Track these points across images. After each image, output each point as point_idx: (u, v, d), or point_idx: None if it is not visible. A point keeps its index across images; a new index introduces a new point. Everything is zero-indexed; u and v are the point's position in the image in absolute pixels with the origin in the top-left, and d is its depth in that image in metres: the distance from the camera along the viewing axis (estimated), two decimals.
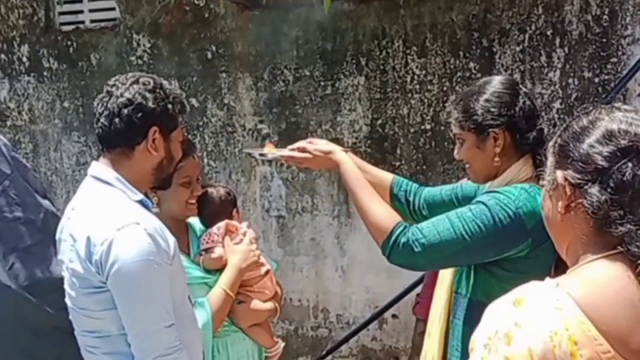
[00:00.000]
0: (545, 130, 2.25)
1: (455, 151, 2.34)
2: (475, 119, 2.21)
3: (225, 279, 2.63)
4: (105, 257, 1.95)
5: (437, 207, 2.55)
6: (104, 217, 2.02)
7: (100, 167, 2.13)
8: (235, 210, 2.88)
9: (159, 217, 2.51)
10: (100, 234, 1.98)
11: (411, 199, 2.66)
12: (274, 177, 4.57)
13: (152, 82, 2.13)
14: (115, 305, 2.00)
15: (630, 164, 1.31)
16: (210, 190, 2.83)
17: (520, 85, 2.27)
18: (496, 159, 2.21)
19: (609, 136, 1.34)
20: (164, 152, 2.15)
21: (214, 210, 2.80)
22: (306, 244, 4.57)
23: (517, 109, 2.19)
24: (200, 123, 4.64)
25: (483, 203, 2.13)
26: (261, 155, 2.66)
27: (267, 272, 2.80)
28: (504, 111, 2.18)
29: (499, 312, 1.33)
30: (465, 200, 2.42)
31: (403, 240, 2.12)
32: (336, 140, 4.32)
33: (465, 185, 2.56)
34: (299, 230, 4.57)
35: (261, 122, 4.52)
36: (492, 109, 2.19)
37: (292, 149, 2.52)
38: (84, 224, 2.04)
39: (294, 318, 4.67)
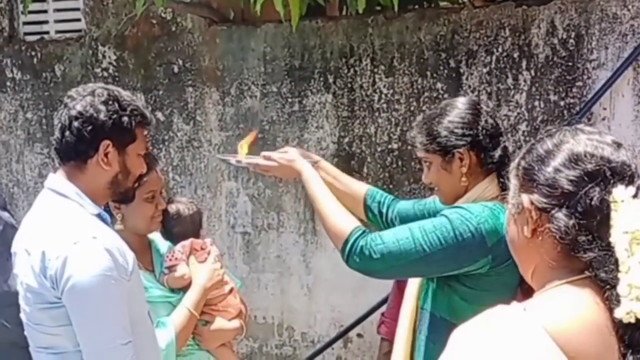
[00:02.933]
0: (510, 151, 2.28)
1: (423, 176, 2.36)
2: (439, 141, 2.24)
3: (189, 299, 2.60)
4: (61, 271, 1.91)
5: (409, 220, 2.56)
6: (60, 231, 1.98)
7: (57, 180, 2.08)
8: (201, 228, 2.86)
9: (122, 233, 2.46)
10: (56, 248, 1.93)
11: (384, 210, 2.66)
12: (240, 193, 4.53)
13: (106, 94, 2.07)
14: (70, 321, 1.96)
15: (597, 188, 1.30)
16: (182, 208, 2.80)
17: (482, 105, 2.31)
18: (463, 179, 2.24)
19: (575, 160, 1.33)
20: (119, 166, 2.08)
21: (184, 228, 2.78)
22: (272, 261, 4.54)
23: (479, 127, 2.22)
24: (166, 137, 4.59)
25: (445, 216, 2.16)
26: (237, 162, 2.62)
27: (231, 290, 2.78)
28: (467, 131, 2.22)
29: (467, 337, 1.32)
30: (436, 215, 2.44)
31: (361, 244, 2.14)
32: None
33: (438, 202, 2.58)
34: (264, 247, 4.54)
35: (227, 137, 4.49)
36: (456, 130, 2.22)
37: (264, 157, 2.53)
38: (39, 237, 1.99)
39: (258, 336, 4.62)
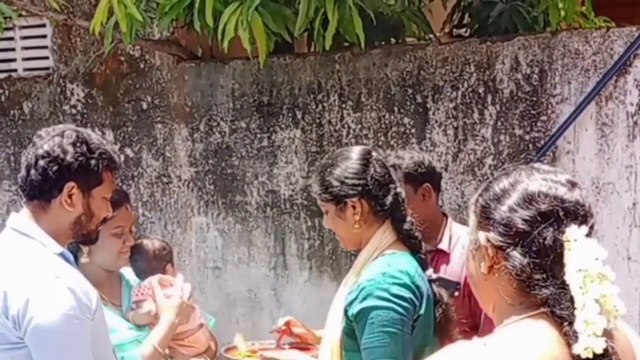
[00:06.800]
0: (402, 198, 2.36)
1: (324, 221, 2.44)
2: (331, 191, 2.32)
3: (155, 335, 2.58)
4: (23, 312, 1.90)
5: None
6: (22, 271, 1.97)
7: (20, 219, 2.08)
8: (170, 264, 2.85)
9: (89, 267, 2.45)
10: (18, 288, 1.93)
11: None
12: (210, 228, 4.53)
13: (75, 135, 2.08)
14: None
15: (551, 228, 1.33)
16: (145, 242, 2.80)
17: (373, 154, 2.37)
18: (356, 226, 2.31)
19: (529, 200, 1.36)
20: (82, 208, 2.08)
21: (147, 263, 2.77)
22: (242, 296, 4.52)
23: (369, 177, 2.29)
24: (136, 173, 4.59)
25: (366, 310, 2.18)
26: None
27: (201, 326, 2.77)
28: (357, 181, 2.29)
29: None
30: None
31: None
32: (273, 192, 4.33)
33: None
34: (235, 282, 4.52)
35: (197, 173, 4.49)
36: (346, 180, 2.30)
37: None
38: (0, 277, 1.98)
39: None
